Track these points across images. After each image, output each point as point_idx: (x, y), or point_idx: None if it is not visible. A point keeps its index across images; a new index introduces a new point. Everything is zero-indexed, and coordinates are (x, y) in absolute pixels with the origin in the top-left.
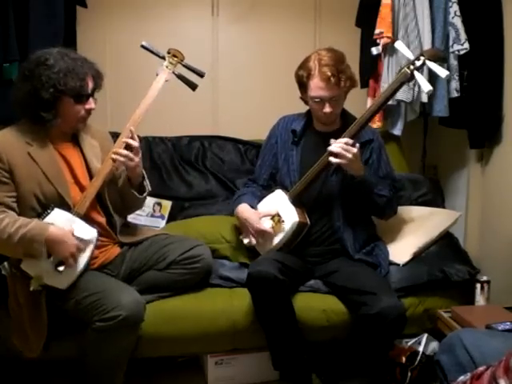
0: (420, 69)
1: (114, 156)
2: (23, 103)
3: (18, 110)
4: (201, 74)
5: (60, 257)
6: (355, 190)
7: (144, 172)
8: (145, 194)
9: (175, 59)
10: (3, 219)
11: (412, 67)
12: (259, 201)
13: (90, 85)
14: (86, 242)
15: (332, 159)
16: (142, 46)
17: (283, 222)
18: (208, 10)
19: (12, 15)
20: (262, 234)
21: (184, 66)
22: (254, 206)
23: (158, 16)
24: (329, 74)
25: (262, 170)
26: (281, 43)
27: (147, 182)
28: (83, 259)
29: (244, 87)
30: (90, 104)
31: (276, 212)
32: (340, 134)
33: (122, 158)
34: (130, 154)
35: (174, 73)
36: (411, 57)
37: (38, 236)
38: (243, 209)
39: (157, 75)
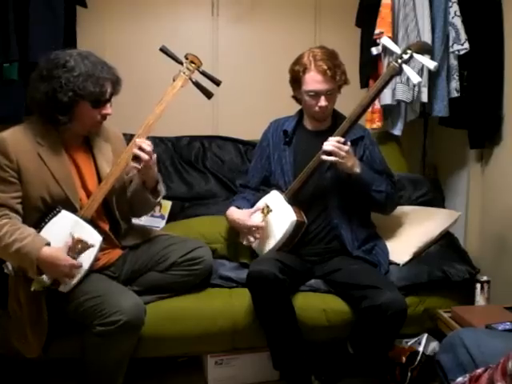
0: (408, 62)
1: (136, 151)
2: (39, 103)
3: (34, 108)
4: (217, 83)
5: (53, 277)
6: (353, 188)
7: (159, 176)
8: (159, 199)
9: (193, 65)
10: (3, 226)
11: (400, 61)
12: (253, 204)
13: (109, 90)
14: (86, 246)
15: (325, 157)
16: (161, 50)
17: (271, 210)
18: (208, 10)
19: (12, 15)
20: (255, 230)
21: (201, 73)
22: (244, 207)
23: (157, 16)
24: (325, 67)
25: (253, 172)
26: (281, 43)
27: (162, 186)
28: (86, 263)
29: (244, 87)
30: (107, 109)
31: (264, 204)
32: (330, 133)
33: (145, 156)
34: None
35: (190, 79)
36: (398, 51)
37: (29, 254)
38: (231, 211)
39: (173, 81)
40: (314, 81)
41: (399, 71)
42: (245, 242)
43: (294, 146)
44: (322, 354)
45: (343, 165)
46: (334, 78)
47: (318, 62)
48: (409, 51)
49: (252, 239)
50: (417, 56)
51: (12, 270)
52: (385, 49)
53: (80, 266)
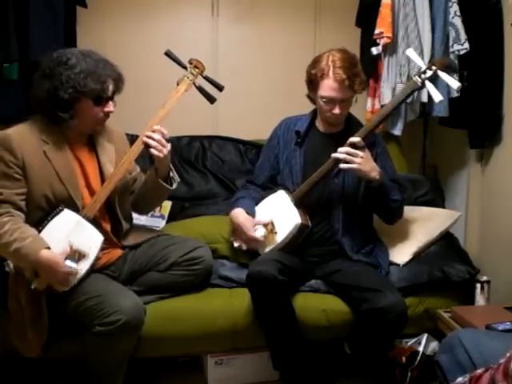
0: (431, 78)
1: (145, 139)
2: (41, 101)
3: (36, 107)
4: (220, 88)
5: (49, 282)
6: (371, 194)
7: (171, 166)
8: (175, 185)
9: (196, 70)
10: (5, 224)
11: (423, 76)
12: (258, 202)
13: (111, 88)
14: (83, 256)
15: (342, 165)
16: (166, 54)
17: (276, 233)
18: (208, 10)
19: (12, 15)
20: (253, 242)
21: (204, 78)
22: (250, 212)
23: (157, 16)
24: (344, 76)
25: (261, 170)
26: (281, 43)
27: (175, 173)
28: (86, 263)
29: (244, 87)
30: (109, 107)
31: (270, 220)
32: (343, 136)
33: (153, 142)
34: (163, 140)
35: (194, 84)
36: (423, 66)
37: (28, 256)
38: (238, 214)
39: (177, 85)
40: (330, 88)
41: (421, 87)
42: (235, 244)
43: (305, 148)
44: (320, 354)
45: (359, 171)
46: (351, 88)
47: (336, 70)
48: (433, 68)
49: (244, 247)
50: (441, 74)
51: (13, 268)
52: (385, 49)
53: (76, 273)
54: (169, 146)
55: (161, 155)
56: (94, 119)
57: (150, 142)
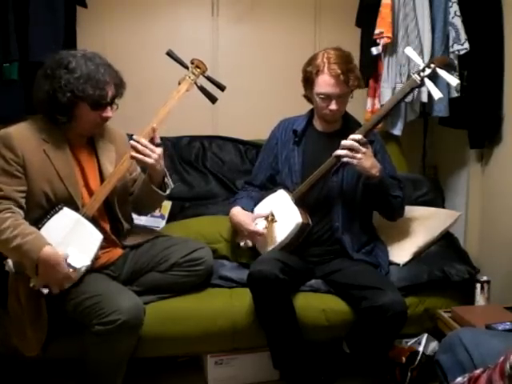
0: (430, 76)
1: (133, 143)
2: (41, 101)
3: (36, 106)
4: (221, 88)
5: (46, 281)
6: (372, 191)
7: (166, 170)
8: (167, 191)
9: (198, 70)
10: (6, 220)
11: (422, 74)
12: (258, 202)
13: (110, 93)
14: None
15: (344, 158)
16: (168, 54)
17: (276, 221)
18: (208, 10)
19: (12, 15)
20: (256, 235)
21: (206, 77)
22: (248, 209)
23: (157, 16)
24: (338, 71)
25: (260, 170)
26: (281, 43)
27: (169, 180)
28: (86, 262)
29: (244, 87)
30: (107, 112)
31: (270, 212)
32: (341, 135)
33: (140, 146)
34: (150, 145)
35: (196, 84)
36: (421, 64)
37: (31, 252)
38: (236, 212)
39: (179, 84)
40: (325, 84)
41: (420, 85)
42: (242, 244)
43: (304, 147)
44: (320, 354)
45: (359, 166)
46: (346, 83)
47: (331, 65)
48: (432, 65)
49: (250, 243)
50: (440, 71)
51: (13, 267)
52: (385, 49)
53: (73, 280)
54: (159, 150)
55: (149, 161)
56: (91, 124)
57: (138, 146)
